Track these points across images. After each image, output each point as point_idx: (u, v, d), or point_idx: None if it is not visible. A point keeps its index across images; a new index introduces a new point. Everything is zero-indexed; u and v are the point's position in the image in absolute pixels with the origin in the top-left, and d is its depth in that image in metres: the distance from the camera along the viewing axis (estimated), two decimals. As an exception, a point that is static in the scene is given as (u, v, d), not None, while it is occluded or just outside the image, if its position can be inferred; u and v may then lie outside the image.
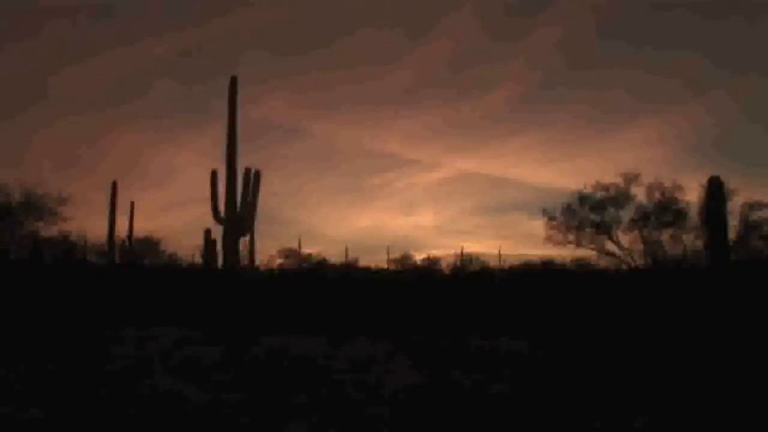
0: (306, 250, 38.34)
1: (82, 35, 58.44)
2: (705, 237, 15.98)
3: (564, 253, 30.89)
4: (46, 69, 63.49)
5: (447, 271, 37.39)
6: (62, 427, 5.77)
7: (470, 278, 32.59)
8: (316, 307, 17.40)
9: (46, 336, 12.19)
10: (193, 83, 69.42)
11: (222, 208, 16.49)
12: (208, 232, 19.65)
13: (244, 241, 21.43)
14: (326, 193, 72.63)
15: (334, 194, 72.80)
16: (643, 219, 19.55)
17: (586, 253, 22.25)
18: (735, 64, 63.11)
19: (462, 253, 37.69)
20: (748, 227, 17.91)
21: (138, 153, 68.72)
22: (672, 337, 11.07)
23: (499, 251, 38.99)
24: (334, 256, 38.35)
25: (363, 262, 38.70)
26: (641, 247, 19.75)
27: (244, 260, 22.55)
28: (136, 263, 28.41)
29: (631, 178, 19.86)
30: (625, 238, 20.15)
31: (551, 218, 21.02)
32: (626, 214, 20.01)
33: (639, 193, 19.81)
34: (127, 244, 26.11)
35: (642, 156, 62.25)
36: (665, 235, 19.31)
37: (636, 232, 19.81)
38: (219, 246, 17.43)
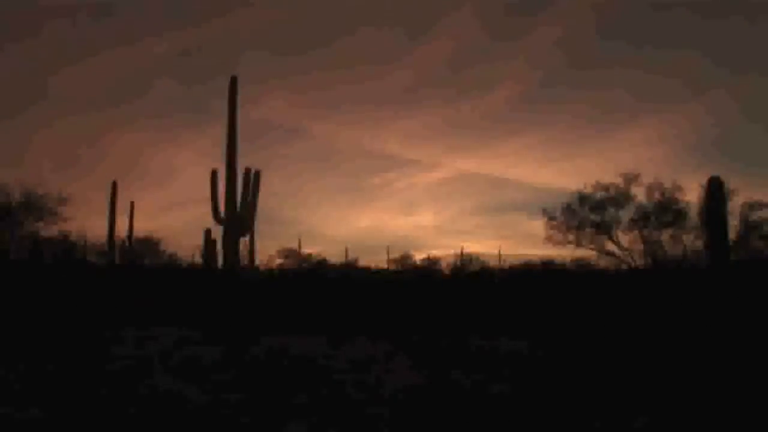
0: (306, 250, 38.44)
1: (82, 35, 58.62)
2: (705, 237, 15.98)
3: (564, 253, 31.00)
4: (46, 69, 63.64)
5: (447, 271, 37.45)
6: (62, 427, 5.77)
7: (470, 278, 32.61)
8: (316, 307, 17.41)
9: (46, 336, 12.19)
10: (193, 83, 69.63)
11: (222, 208, 16.49)
12: (208, 232, 19.66)
13: (244, 241, 21.45)
14: (326, 193, 72.85)
15: (334, 194, 73.00)
16: (643, 219, 19.57)
17: (586, 253, 22.31)
18: (735, 64, 63.31)
19: (462, 253, 37.77)
20: (748, 227, 17.93)
21: (138, 153, 68.92)
22: (672, 337, 11.07)
23: (499, 251, 39.14)
24: (334, 256, 38.46)
25: (363, 262, 38.83)
26: (641, 247, 19.79)
27: (244, 260, 22.56)
28: (136, 263, 28.43)
29: (631, 178, 19.91)
30: (625, 238, 20.22)
31: (551, 218, 21.07)
32: (626, 214, 20.08)
33: (639, 193, 19.87)
34: (127, 244, 26.11)
35: (642, 156, 62.49)
36: (665, 235, 19.35)
37: (636, 232, 19.85)
38: (219, 246, 17.44)
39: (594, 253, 21.40)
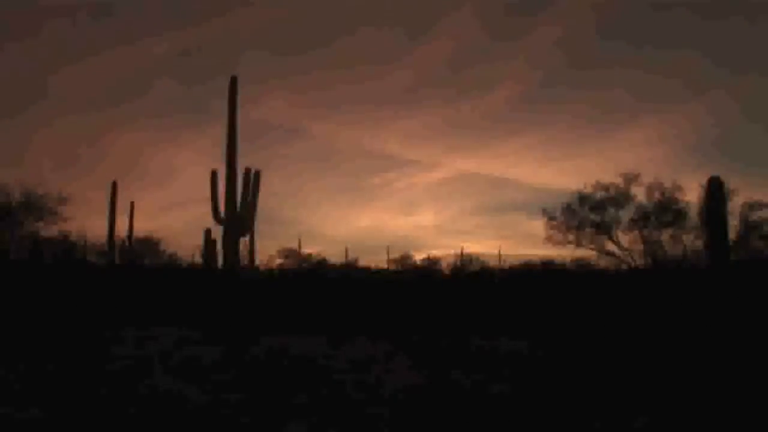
0: (306, 250, 38.43)
1: (82, 34, 58.62)
2: (705, 237, 15.97)
3: (564, 253, 31.00)
4: (46, 68, 63.66)
5: (447, 271, 37.44)
6: (62, 427, 5.77)
7: (470, 278, 32.60)
8: (316, 307, 17.40)
9: (46, 336, 12.19)
10: (193, 83, 69.63)
11: (222, 208, 16.49)
12: (208, 232, 19.65)
13: (244, 241, 21.44)
14: (326, 193, 72.83)
15: (334, 194, 72.99)
16: (643, 219, 19.56)
17: (586, 253, 22.31)
18: (735, 64, 63.32)
19: (462, 253, 37.77)
20: (748, 227, 17.92)
21: (138, 153, 68.89)
22: (672, 337, 11.07)
23: (499, 251, 39.17)
24: (334, 256, 38.46)
25: (363, 262, 38.82)
26: (641, 247, 19.78)
27: (244, 260, 22.55)
28: (136, 263, 28.42)
29: (631, 178, 19.90)
30: (625, 238, 20.21)
31: (551, 218, 21.07)
32: (626, 214, 20.07)
33: (639, 193, 19.86)
34: (127, 244, 26.10)
35: (642, 156, 62.38)
36: (665, 235, 19.34)
37: (636, 232, 19.84)
38: (219, 246, 17.44)
39: (594, 253, 21.42)
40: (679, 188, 19.14)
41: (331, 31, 68.74)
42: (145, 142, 72.07)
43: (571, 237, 20.82)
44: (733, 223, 16.95)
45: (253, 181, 17.15)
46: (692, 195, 18.66)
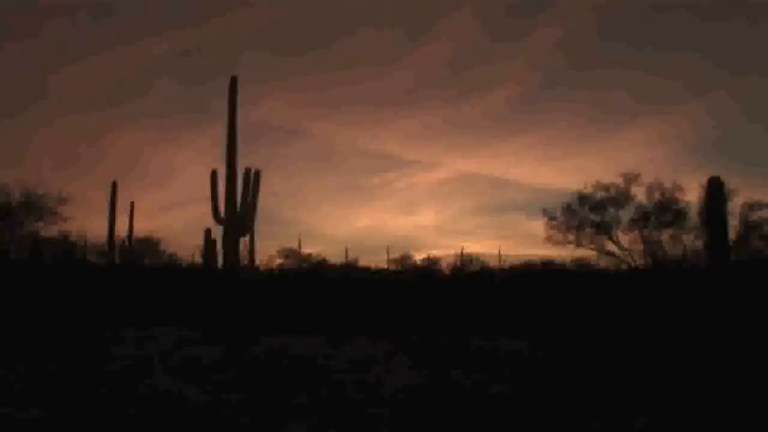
0: (306, 250, 38.44)
1: (82, 34, 58.68)
2: (705, 237, 15.97)
3: (564, 253, 31.10)
4: (46, 68, 63.69)
5: (447, 271, 37.44)
6: (62, 427, 5.77)
7: (470, 278, 32.60)
8: (316, 307, 17.41)
9: (46, 336, 12.19)
10: (193, 83, 69.71)
11: (222, 208, 16.48)
12: (208, 232, 19.66)
13: (244, 241, 21.45)
14: (326, 193, 72.87)
15: (334, 194, 73.05)
16: (643, 219, 19.56)
17: (586, 253, 22.32)
18: (735, 64, 63.33)
19: (462, 253, 37.77)
20: (748, 227, 17.93)
21: (138, 153, 68.95)
22: (672, 337, 11.07)
23: (499, 251, 39.16)
24: (334, 256, 38.48)
25: (363, 262, 38.83)
26: (641, 247, 19.79)
27: (244, 260, 22.56)
28: (136, 263, 28.43)
29: (631, 178, 19.92)
30: (625, 238, 20.22)
31: (551, 218, 21.08)
32: (626, 214, 20.08)
33: (639, 193, 19.87)
34: (127, 244, 26.11)
35: (642, 156, 62.50)
36: (665, 235, 19.35)
37: (636, 232, 19.85)
38: (219, 246, 17.44)
39: (594, 253, 21.43)
40: (679, 188, 19.18)
41: (331, 31, 68.85)
42: (145, 142, 72.17)
43: (571, 237, 20.85)
44: (733, 223, 17.00)
45: (253, 181, 17.15)
46: (692, 195, 18.71)
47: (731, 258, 14.69)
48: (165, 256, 33.29)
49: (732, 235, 16.18)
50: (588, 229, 20.57)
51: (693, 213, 18.65)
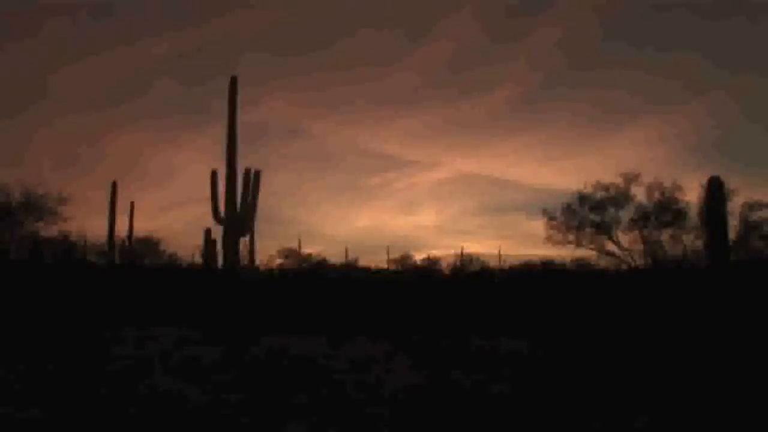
0: (306, 250, 38.44)
1: (82, 34, 58.68)
2: (705, 237, 15.97)
3: (564, 253, 31.09)
4: (46, 68, 63.69)
5: (447, 271, 37.45)
6: (62, 427, 5.77)
7: (470, 278, 32.60)
8: (316, 307, 17.41)
9: (46, 336, 12.19)
10: (193, 83, 69.71)
11: (222, 208, 16.48)
12: (208, 232, 19.66)
13: (244, 241, 21.45)
14: (326, 193, 72.90)
15: (334, 194, 73.09)
16: (643, 219, 19.56)
17: (586, 253, 22.32)
18: (735, 64, 63.33)
19: (462, 253, 37.78)
20: (748, 227, 17.92)
21: (138, 153, 68.96)
22: (672, 337, 11.07)
23: (499, 251, 39.18)
24: (334, 256, 38.49)
25: (363, 262, 38.83)
26: (641, 247, 19.78)
27: (244, 260, 22.56)
28: (136, 263, 28.42)
29: (631, 178, 19.91)
30: (625, 238, 20.21)
31: (551, 218, 21.07)
32: (626, 214, 20.07)
33: (639, 193, 19.86)
34: (127, 244, 26.11)
35: (642, 156, 62.52)
36: (665, 235, 19.34)
37: (636, 232, 19.84)
38: (219, 246, 17.43)
39: (594, 253, 21.43)
40: (679, 188, 19.17)
41: (332, 32, 68.83)
42: (145, 142, 72.15)
43: (571, 237, 20.84)
44: (733, 223, 16.98)
45: (253, 181, 17.15)
46: (692, 195, 18.70)
47: (731, 258, 14.69)
48: (165, 256, 33.33)
49: (732, 235, 16.18)
50: (588, 229, 20.58)
51: (693, 213, 18.67)
